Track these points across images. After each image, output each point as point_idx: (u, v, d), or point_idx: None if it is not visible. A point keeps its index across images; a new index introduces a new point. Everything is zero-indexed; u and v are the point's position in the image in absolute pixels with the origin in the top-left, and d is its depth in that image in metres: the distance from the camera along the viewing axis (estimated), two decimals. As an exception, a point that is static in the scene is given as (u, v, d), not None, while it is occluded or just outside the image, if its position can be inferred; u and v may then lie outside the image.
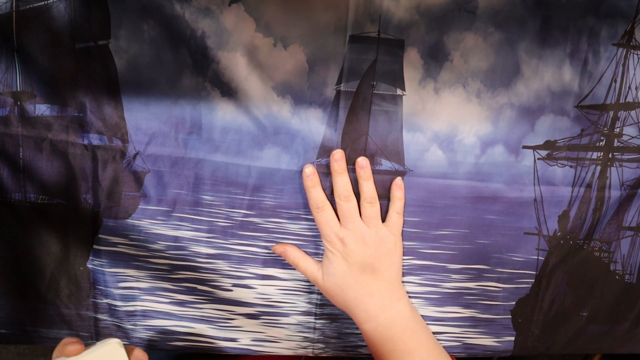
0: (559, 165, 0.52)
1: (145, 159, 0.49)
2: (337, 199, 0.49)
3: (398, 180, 0.50)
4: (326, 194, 0.49)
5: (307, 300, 0.54)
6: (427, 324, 0.53)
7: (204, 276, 0.52)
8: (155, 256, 0.51)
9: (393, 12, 0.47)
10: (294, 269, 0.52)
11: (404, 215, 0.51)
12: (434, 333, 0.54)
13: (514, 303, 0.55)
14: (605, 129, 0.52)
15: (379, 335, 0.49)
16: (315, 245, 0.52)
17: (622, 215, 0.54)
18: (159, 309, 0.53)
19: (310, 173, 0.48)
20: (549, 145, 0.51)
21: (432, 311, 0.54)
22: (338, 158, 0.48)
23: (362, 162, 0.49)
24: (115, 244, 0.51)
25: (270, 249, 0.52)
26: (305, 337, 0.55)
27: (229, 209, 0.50)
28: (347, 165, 0.49)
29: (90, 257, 0.51)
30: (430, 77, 0.49)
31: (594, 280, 0.56)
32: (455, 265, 0.53)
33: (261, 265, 0.52)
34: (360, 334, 0.52)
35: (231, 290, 0.52)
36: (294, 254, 0.51)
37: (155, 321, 0.53)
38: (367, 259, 0.49)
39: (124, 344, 0.40)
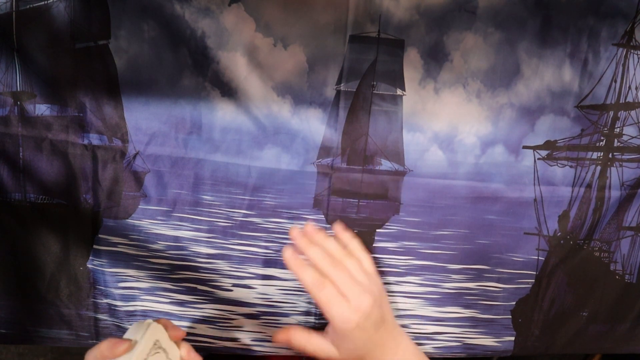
0: (559, 165, 0.52)
1: (145, 159, 0.49)
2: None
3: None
4: (325, 194, 0.49)
5: (307, 300, 0.54)
6: (427, 324, 0.53)
7: (204, 276, 0.52)
8: (155, 256, 0.51)
9: (393, 12, 0.47)
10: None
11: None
12: (434, 333, 0.54)
13: (514, 303, 0.55)
14: (605, 129, 0.52)
15: None
16: (315, 245, 0.52)
17: (622, 215, 0.54)
18: (159, 309, 0.53)
19: (290, 256, 0.42)
20: (549, 145, 0.51)
21: (432, 311, 0.54)
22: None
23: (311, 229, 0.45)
24: (115, 244, 0.50)
25: (270, 249, 0.52)
26: (305, 337, 0.55)
27: (229, 209, 0.50)
28: (348, 165, 0.49)
29: (90, 257, 0.51)
30: (430, 77, 0.48)
31: (594, 280, 0.56)
32: (455, 266, 0.53)
33: (261, 265, 0.52)
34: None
35: (231, 290, 0.52)
36: (299, 337, 0.45)
37: (155, 321, 0.53)
38: (377, 315, 0.43)
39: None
